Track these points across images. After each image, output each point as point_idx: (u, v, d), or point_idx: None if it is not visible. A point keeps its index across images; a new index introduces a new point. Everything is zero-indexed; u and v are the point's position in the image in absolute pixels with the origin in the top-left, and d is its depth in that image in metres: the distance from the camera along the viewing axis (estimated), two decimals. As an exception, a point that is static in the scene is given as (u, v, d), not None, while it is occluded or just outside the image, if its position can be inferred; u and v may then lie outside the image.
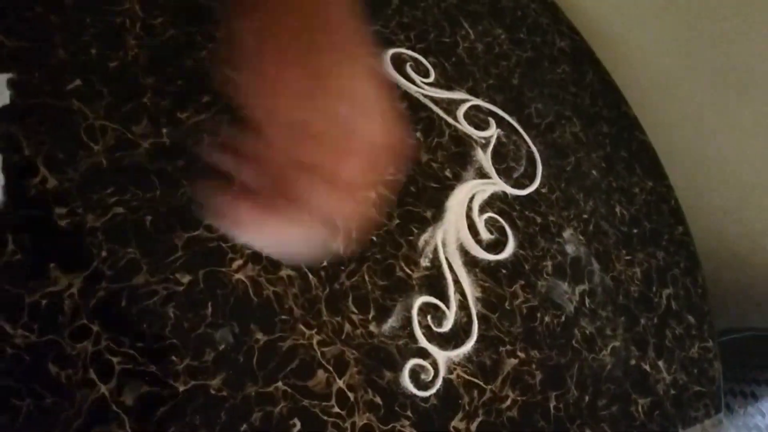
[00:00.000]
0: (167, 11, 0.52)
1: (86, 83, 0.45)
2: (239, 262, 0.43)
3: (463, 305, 0.52)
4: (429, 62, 0.65)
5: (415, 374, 0.47)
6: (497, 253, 0.56)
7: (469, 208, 0.57)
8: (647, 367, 0.60)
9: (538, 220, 0.61)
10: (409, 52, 0.65)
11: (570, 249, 0.62)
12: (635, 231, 0.69)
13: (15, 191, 0.39)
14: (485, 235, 0.56)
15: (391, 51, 0.63)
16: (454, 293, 0.52)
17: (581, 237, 0.64)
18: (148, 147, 0.45)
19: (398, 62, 0.63)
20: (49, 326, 0.36)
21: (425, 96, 0.62)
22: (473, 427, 0.47)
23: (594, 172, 0.70)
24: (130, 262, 0.40)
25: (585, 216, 0.65)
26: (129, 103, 0.46)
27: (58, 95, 0.44)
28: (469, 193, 0.58)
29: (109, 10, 0.50)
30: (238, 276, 0.43)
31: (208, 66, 0.51)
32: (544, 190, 0.64)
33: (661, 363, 0.61)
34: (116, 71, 0.47)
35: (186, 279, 0.41)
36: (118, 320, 0.38)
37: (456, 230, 0.55)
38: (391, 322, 0.48)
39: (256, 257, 0.44)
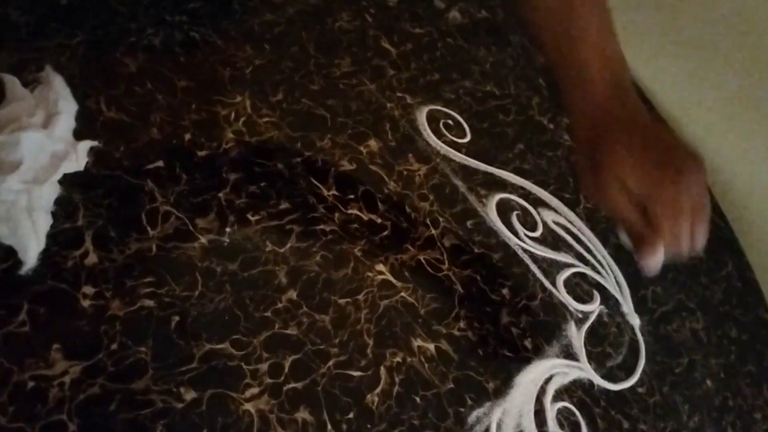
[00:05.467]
0: (277, 113, 0.52)
1: (168, 166, 0.45)
2: (254, 390, 0.39)
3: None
4: (539, 216, 0.60)
5: None
6: (563, 454, 0.48)
7: (542, 391, 0.49)
8: None
9: (625, 425, 0.51)
10: (520, 201, 0.60)
11: (658, 470, 0.51)
12: (749, 467, 0.57)
13: (50, 260, 0.37)
14: (553, 428, 0.48)
15: (500, 195, 0.58)
16: (497, 490, 0.44)
17: (676, 459, 0.53)
18: (204, 243, 0.43)
19: (504, 208, 0.58)
20: (24, 413, 0.33)
21: (525, 251, 0.56)
22: None
23: (709, 381, 0.59)
24: (137, 362, 0.37)
25: (685, 434, 0.54)
26: (204, 194, 0.45)
27: (135, 173, 0.43)
28: (546, 373, 0.50)
29: (218, 101, 0.50)
30: (248, 407, 0.38)
31: (297, 174, 0.49)
32: (641, 390, 0.54)
33: None
34: (203, 160, 0.46)
35: (190, 396, 0.37)
36: (100, 426, 0.34)
37: (519, 414, 0.47)
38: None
39: (275, 389, 0.40)
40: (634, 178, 0.41)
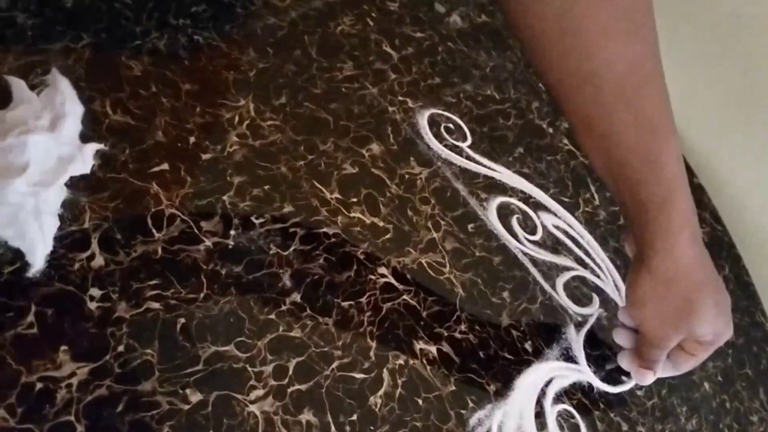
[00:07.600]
0: (280, 117, 0.52)
1: (173, 169, 0.45)
2: (259, 392, 0.39)
3: None
4: (539, 219, 0.60)
5: None
6: (563, 456, 0.48)
7: (543, 393, 0.50)
8: None
9: (624, 427, 0.52)
10: (521, 204, 0.60)
11: (656, 472, 0.52)
12: (746, 469, 0.57)
13: (57, 262, 0.38)
14: (554, 430, 0.48)
15: (501, 199, 0.59)
16: (498, 491, 0.44)
17: (674, 460, 0.53)
18: (209, 246, 0.43)
19: (505, 212, 0.58)
20: (33, 414, 0.33)
21: (525, 254, 0.57)
22: None
23: (706, 384, 0.59)
24: (144, 363, 0.37)
25: (684, 436, 0.55)
26: (209, 197, 0.45)
27: (141, 175, 0.43)
28: (546, 376, 0.51)
29: (222, 104, 0.50)
30: (252, 408, 0.38)
31: (301, 177, 0.50)
32: (639, 393, 0.55)
33: None
34: (207, 163, 0.47)
35: (196, 398, 0.37)
36: (107, 427, 0.34)
37: (519, 416, 0.47)
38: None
39: (280, 391, 0.40)
40: (707, 330, 0.47)
